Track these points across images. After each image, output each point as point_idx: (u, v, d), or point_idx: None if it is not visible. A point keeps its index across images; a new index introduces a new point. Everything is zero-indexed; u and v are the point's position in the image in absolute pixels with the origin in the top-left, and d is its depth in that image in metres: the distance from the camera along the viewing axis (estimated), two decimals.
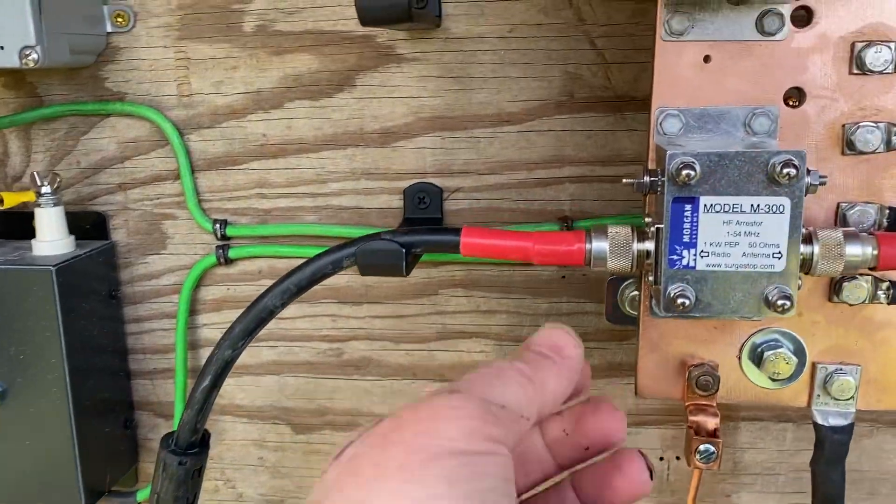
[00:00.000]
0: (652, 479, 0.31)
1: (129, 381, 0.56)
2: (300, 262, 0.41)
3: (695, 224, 0.35)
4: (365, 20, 0.37)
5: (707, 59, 0.38)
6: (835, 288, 0.39)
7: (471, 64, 0.48)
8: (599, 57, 0.47)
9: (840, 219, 0.38)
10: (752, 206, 0.34)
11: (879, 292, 0.38)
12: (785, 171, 0.33)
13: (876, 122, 0.37)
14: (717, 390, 0.40)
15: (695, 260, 0.35)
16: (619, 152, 0.48)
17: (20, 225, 0.54)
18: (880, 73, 0.37)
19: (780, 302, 0.34)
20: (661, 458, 0.53)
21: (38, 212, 0.50)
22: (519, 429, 0.27)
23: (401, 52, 0.48)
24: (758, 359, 0.40)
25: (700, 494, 0.48)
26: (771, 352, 0.39)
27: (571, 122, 0.48)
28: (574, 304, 0.51)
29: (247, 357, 0.54)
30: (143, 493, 0.55)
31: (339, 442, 0.44)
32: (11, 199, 0.49)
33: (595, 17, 0.46)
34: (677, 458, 0.53)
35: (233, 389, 0.55)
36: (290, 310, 0.53)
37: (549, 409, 0.30)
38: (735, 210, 0.34)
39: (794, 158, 0.33)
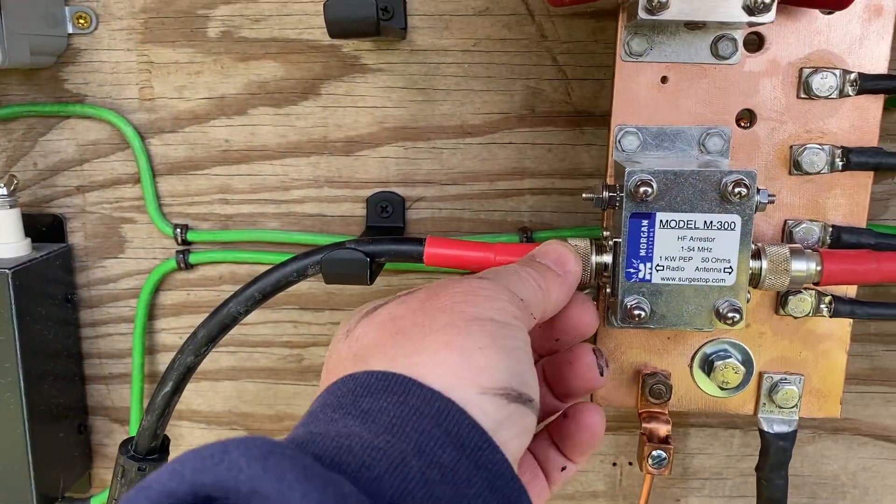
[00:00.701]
0: (602, 375, 0.34)
1: (84, 385, 0.56)
2: (262, 268, 0.41)
3: (651, 239, 0.36)
4: (333, 33, 0.38)
5: (664, 79, 0.39)
6: (781, 301, 0.41)
7: (435, 76, 0.49)
8: (560, 73, 0.48)
9: (787, 235, 0.40)
10: (705, 222, 0.36)
11: (822, 306, 0.40)
12: (737, 189, 0.34)
13: (821, 145, 0.39)
14: (669, 398, 0.41)
15: (650, 273, 0.36)
16: (578, 166, 0.49)
17: None
18: (826, 97, 0.39)
19: (730, 315, 0.36)
20: (615, 464, 0.54)
21: None
22: (529, 323, 0.31)
23: (366, 62, 0.49)
24: (708, 368, 0.42)
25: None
26: (720, 361, 0.41)
27: (532, 135, 0.49)
28: None
29: (206, 363, 0.54)
30: (97, 499, 0.55)
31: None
32: None
33: (557, 33, 0.48)
34: (630, 463, 0.54)
35: (190, 395, 0.55)
36: (252, 316, 0.52)
37: (549, 315, 0.33)
38: (689, 226, 0.36)
39: (745, 178, 0.34)
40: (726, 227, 0.35)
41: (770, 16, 0.34)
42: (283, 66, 0.50)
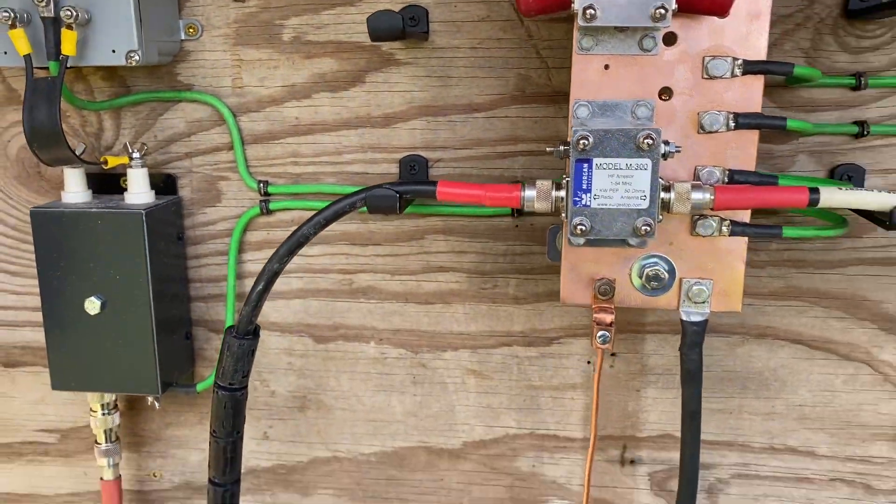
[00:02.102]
0: None
1: (190, 303, 0.74)
2: None
3: (590, 177, 0.52)
4: (373, 38, 0.55)
5: (606, 66, 0.55)
6: (693, 225, 0.56)
7: (450, 67, 0.66)
8: (543, 63, 0.64)
9: (696, 176, 0.56)
10: (626, 164, 0.52)
11: (723, 227, 0.56)
12: (646, 141, 0.50)
13: (719, 111, 0.55)
14: (612, 296, 0.58)
15: (590, 201, 0.53)
16: (557, 133, 0.66)
17: (109, 184, 0.71)
18: (721, 77, 0.54)
19: (643, 227, 0.52)
20: (588, 362, 0.70)
21: (130, 172, 0.67)
22: None
23: (399, 58, 0.66)
24: (642, 274, 0.58)
25: (617, 391, 0.66)
26: (651, 269, 0.57)
27: (523, 110, 0.66)
28: (524, 246, 0.69)
29: (280, 286, 0.72)
30: (201, 385, 0.73)
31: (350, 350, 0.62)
32: (113, 161, 0.67)
33: (540, 34, 0.64)
34: (612, 354, 0.70)
35: (269, 310, 0.73)
36: (315, 250, 0.71)
37: None
38: (616, 168, 0.52)
39: (652, 133, 0.51)
40: (641, 167, 0.52)
41: (667, 22, 0.50)
42: (338, 62, 0.67)
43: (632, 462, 0.72)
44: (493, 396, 0.72)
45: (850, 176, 0.63)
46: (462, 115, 0.66)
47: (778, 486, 0.71)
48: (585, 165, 0.52)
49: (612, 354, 0.70)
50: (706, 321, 0.58)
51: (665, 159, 0.53)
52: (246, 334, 0.60)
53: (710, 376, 0.69)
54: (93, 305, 0.67)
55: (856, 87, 0.62)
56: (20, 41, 0.60)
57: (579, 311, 0.69)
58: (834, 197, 0.53)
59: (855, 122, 0.62)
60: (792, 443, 0.70)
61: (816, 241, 0.65)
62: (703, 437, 0.69)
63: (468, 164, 0.67)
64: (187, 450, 0.78)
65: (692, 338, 0.58)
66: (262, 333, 0.74)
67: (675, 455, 0.68)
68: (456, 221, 0.69)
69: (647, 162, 0.51)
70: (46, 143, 0.61)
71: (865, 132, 0.62)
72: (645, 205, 0.52)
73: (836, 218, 0.61)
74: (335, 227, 0.70)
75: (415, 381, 0.73)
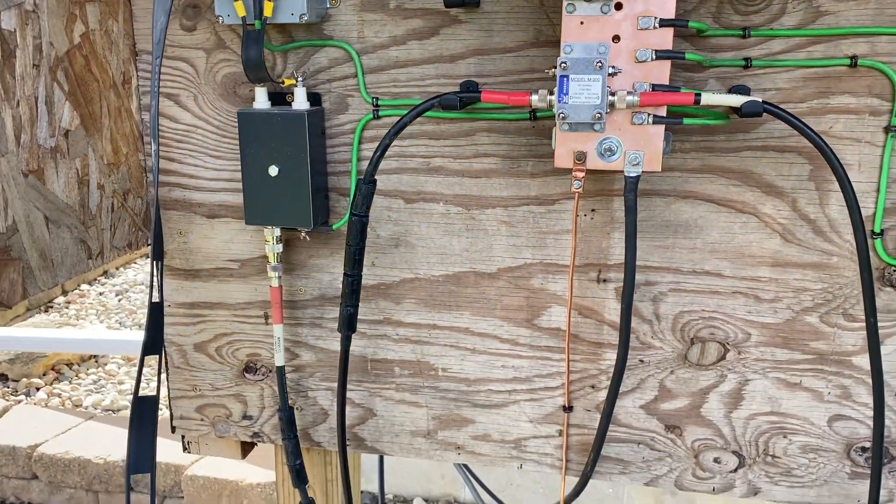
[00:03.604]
0: None
1: (328, 176, 1.17)
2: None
3: (567, 86, 0.92)
4: (447, 6, 0.96)
5: (582, 22, 0.94)
6: (632, 117, 0.95)
7: (492, 23, 1.05)
8: (550, 21, 1.04)
9: (633, 88, 0.95)
10: (588, 78, 0.91)
11: (649, 118, 0.95)
12: (597, 64, 0.90)
13: (647, 49, 0.93)
14: (585, 161, 0.97)
15: (567, 100, 0.92)
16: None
17: (279, 99, 1.14)
18: (647, 29, 0.93)
19: (596, 114, 0.91)
20: (577, 216, 1.10)
21: (295, 90, 1.10)
22: None
23: (461, 18, 1.06)
24: (602, 148, 0.97)
25: (595, 234, 1.06)
26: (607, 144, 0.96)
27: (538, 52, 1.05)
28: (538, 139, 1.08)
29: (383, 166, 1.14)
30: (336, 225, 1.16)
31: (427, 208, 1.03)
32: (287, 82, 1.10)
33: (548, 2, 1.03)
34: (592, 210, 1.10)
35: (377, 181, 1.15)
36: (405, 142, 1.12)
37: None
38: (581, 81, 0.91)
39: (600, 59, 0.90)
40: (595, 80, 0.91)
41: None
42: (423, 21, 1.07)
43: (604, 281, 1.12)
44: (517, 238, 1.13)
45: (740, 92, 1.01)
46: (500, 55, 1.06)
47: (698, 297, 1.09)
48: (565, 79, 0.92)
49: (592, 210, 1.10)
50: (639, 176, 0.97)
51: (612, 77, 0.92)
52: (369, 182, 1.02)
53: (653, 225, 1.08)
54: (273, 170, 1.10)
55: (743, 37, 0.99)
56: (239, 7, 1.03)
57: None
58: (710, 98, 0.92)
59: (744, 59, 1.00)
60: (707, 268, 1.08)
61: (721, 134, 1.03)
62: (648, 264, 1.09)
63: (503, 86, 1.07)
64: (322, 273, 1.22)
65: (629, 186, 0.97)
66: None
67: (636, 276, 1.08)
68: (495, 123, 1.09)
69: (599, 77, 0.91)
70: (254, 68, 1.04)
71: (749, 65, 1.00)
72: (598, 102, 0.92)
73: (722, 116, 0.98)
74: (418, 127, 1.11)
75: (467, 228, 1.14)
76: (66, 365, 3.87)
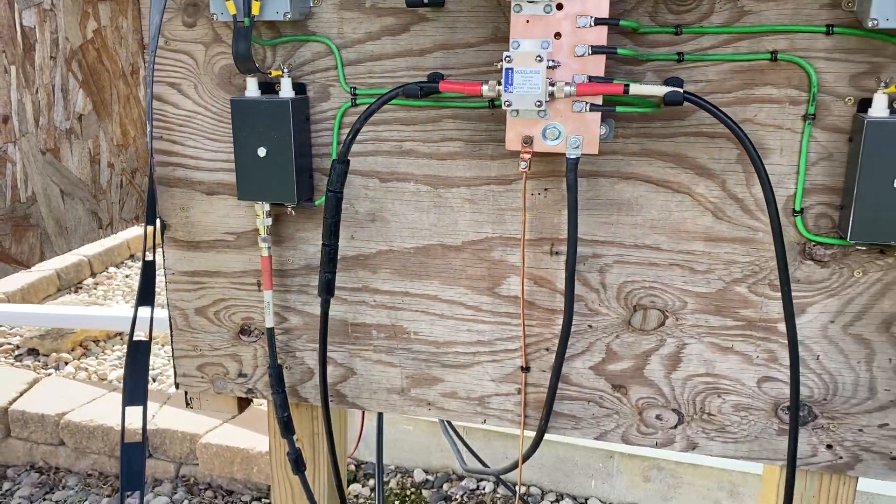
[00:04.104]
0: None
1: (312, 158, 1.30)
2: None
3: (512, 77, 1.04)
4: (409, 5, 1.08)
5: (528, 21, 1.06)
6: (572, 105, 1.07)
7: (456, 21, 1.18)
8: (506, 20, 1.16)
9: (572, 79, 1.07)
10: (529, 70, 1.03)
11: (587, 107, 1.07)
12: (536, 58, 1.02)
13: (584, 45, 1.05)
14: (532, 145, 1.09)
15: (512, 90, 1.05)
16: None
17: (269, 88, 1.28)
18: (583, 27, 1.05)
19: (536, 102, 1.04)
20: (531, 194, 1.22)
21: (282, 80, 1.24)
22: None
23: (428, 17, 1.19)
24: (545, 132, 1.09)
25: (548, 211, 1.18)
26: (551, 130, 1.09)
27: (495, 47, 1.17)
28: (496, 125, 1.21)
29: (359, 148, 1.27)
30: (318, 201, 1.30)
31: (399, 187, 1.16)
32: (274, 73, 1.23)
33: (505, 3, 1.15)
34: (545, 189, 1.22)
35: (354, 163, 1.28)
36: (380, 127, 1.25)
37: None
38: (524, 72, 1.04)
39: (541, 53, 1.02)
40: (536, 72, 1.03)
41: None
42: (395, 18, 1.20)
43: (556, 253, 1.24)
44: (479, 214, 1.26)
45: (674, 84, 1.12)
46: (462, 49, 1.19)
47: (640, 269, 1.21)
48: (510, 72, 1.04)
49: (545, 189, 1.22)
50: (578, 158, 1.09)
51: (553, 69, 1.04)
52: (342, 161, 1.16)
53: (599, 203, 1.19)
54: (262, 151, 1.24)
55: (676, 34, 1.10)
56: (230, 6, 1.17)
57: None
58: (637, 89, 1.03)
59: (677, 53, 1.11)
60: (647, 242, 1.20)
61: (658, 122, 1.14)
62: (595, 238, 1.21)
63: (466, 77, 1.20)
64: (308, 245, 1.35)
65: (570, 166, 1.09)
66: (350, 176, 1.29)
67: (580, 248, 1.20)
68: (459, 111, 1.22)
69: (539, 69, 1.03)
70: (243, 60, 1.18)
71: (682, 59, 1.11)
72: (538, 91, 1.04)
73: (654, 104, 1.10)
74: (392, 114, 1.24)
75: (435, 205, 1.27)
76: (93, 341, 4.07)
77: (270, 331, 1.36)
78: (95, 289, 4.79)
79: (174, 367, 1.50)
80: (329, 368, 1.39)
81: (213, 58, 1.31)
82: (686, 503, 2.68)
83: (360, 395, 1.41)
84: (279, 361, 1.41)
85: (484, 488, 2.83)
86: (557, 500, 2.76)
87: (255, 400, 1.54)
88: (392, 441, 2.95)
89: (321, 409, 1.36)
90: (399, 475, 2.91)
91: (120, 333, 4.16)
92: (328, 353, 1.39)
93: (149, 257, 1.17)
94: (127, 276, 4.95)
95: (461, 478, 2.88)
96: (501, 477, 2.09)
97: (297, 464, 1.42)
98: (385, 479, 2.89)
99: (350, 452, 2.94)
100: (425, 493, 2.82)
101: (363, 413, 2.37)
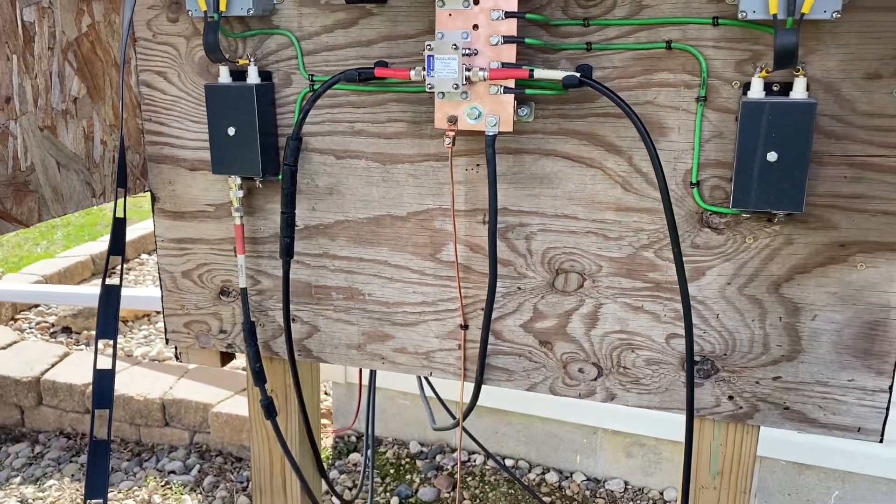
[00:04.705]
0: None
1: (277, 138, 1.48)
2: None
3: (433, 63, 1.20)
4: (347, 2, 1.25)
5: (450, 14, 1.22)
6: (489, 88, 1.22)
7: (398, 14, 1.34)
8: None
9: (488, 66, 1.22)
10: (447, 57, 1.19)
11: (501, 89, 1.22)
12: (452, 46, 1.17)
13: (498, 35, 1.20)
14: (456, 122, 1.25)
15: (434, 74, 1.20)
16: None
17: (239, 76, 1.45)
18: (497, 20, 1.20)
19: (453, 84, 1.19)
20: (466, 169, 1.37)
21: (249, 68, 1.41)
22: None
23: (374, 12, 1.35)
24: (468, 113, 1.24)
25: (481, 185, 1.34)
26: (471, 110, 1.24)
27: (430, 37, 1.33)
28: (433, 107, 1.36)
29: (314, 128, 1.44)
30: (280, 175, 1.47)
31: (353, 163, 1.33)
32: (242, 62, 1.41)
33: None
34: (477, 165, 1.37)
35: (313, 141, 1.45)
36: (335, 109, 1.42)
37: None
38: (443, 59, 1.19)
39: (457, 43, 1.18)
40: (453, 59, 1.19)
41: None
42: (346, 13, 1.37)
43: (488, 222, 1.39)
44: (421, 188, 1.42)
45: (583, 71, 1.26)
46: (403, 40, 1.35)
47: (560, 236, 1.36)
48: (431, 58, 1.20)
49: (477, 165, 1.37)
50: (496, 135, 1.24)
51: (472, 56, 1.20)
52: (295, 139, 1.33)
53: (524, 177, 1.34)
54: (231, 130, 1.42)
55: (584, 26, 1.25)
56: (201, 2, 1.35)
57: (461, 139, 1.37)
58: (541, 73, 1.18)
59: (586, 43, 1.25)
60: (566, 212, 1.34)
61: (572, 104, 1.29)
62: (521, 209, 1.36)
63: (407, 65, 1.36)
64: (276, 215, 1.53)
65: (489, 142, 1.25)
66: (309, 154, 1.46)
67: (508, 218, 1.35)
68: (402, 95, 1.38)
69: (456, 56, 1.19)
70: (213, 51, 1.36)
71: (590, 48, 1.25)
72: (455, 76, 1.20)
73: (559, 87, 1.24)
74: (344, 97, 1.40)
75: (383, 179, 1.43)
76: (122, 321, 4.33)
77: (244, 291, 1.54)
78: (128, 273, 5.07)
79: (164, 325, 1.69)
80: (296, 326, 1.57)
81: (193, 49, 1.49)
82: (666, 478, 2.80)
83: (324, 349, 1.58)
84: (253, 319, 1.59)
85: (475, 460, 2.98)
86: (544, 473, 2.90)
87: (237, 355, 1.72)
88: (390, 415, 3.12)
89: (288, 361, 1.54)
90: (396, 447, 3.08)
91: (148, 315, 4.42)
92: (295, 312, 1.56)
93: (119, 214, 1.35)
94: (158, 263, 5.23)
95: (454, 450, 3.04)
96: (491, 452, 2.24)
97: (269, 410, 1.60)
98: (382, 450, 3.07)
99: (350, 424, 3.12)
100: (419, 463, 2.98)
101: (360, 387, 2.55)
